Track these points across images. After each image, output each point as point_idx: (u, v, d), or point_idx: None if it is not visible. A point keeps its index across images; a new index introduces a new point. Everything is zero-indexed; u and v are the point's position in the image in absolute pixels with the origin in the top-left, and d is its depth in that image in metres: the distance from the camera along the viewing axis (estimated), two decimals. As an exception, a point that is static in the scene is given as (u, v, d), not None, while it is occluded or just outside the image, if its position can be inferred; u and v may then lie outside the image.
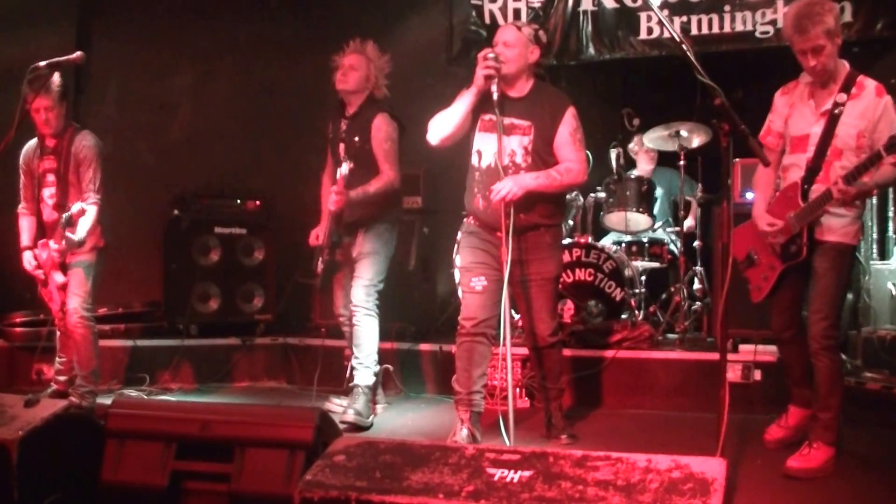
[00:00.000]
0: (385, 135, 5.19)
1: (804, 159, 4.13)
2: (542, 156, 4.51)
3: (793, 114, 4.23)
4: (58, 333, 5.52)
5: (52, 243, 5.00)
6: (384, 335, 6.33)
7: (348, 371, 5.74)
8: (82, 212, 4.98)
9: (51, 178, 5.27)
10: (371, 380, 5.33)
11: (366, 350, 5.30)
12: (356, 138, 5.23)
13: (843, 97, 4.00)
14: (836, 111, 4.00)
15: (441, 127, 4.54)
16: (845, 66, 4.08)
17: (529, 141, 4.51)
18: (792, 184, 4.17)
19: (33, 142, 5.36)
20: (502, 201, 4.30)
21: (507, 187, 4.31)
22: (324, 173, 5.60)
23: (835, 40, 3.95)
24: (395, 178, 5.23)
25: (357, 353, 5.33)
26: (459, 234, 5.04)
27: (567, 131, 4.52)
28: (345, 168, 5.03)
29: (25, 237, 5.37)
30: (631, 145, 7.23)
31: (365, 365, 5.30)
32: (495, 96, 4.38)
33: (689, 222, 6.79)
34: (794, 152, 4.20)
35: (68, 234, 4.90)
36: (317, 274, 5.33)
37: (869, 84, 4.03)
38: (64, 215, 4.96)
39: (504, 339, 4.14)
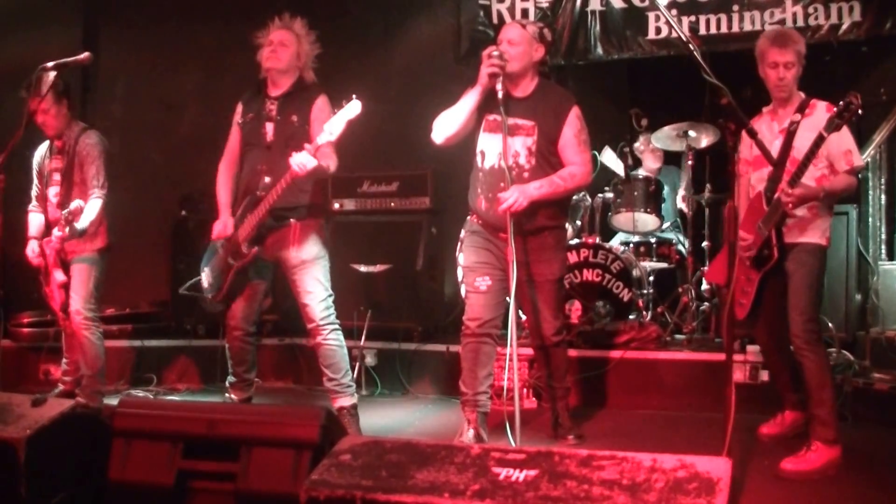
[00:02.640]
0: (327, 116, 4.63)
1: (767, 172, 4.37)
2: (546, 156, 4.49)
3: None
4: (64, 334, 5.54)
5: (55, 231, 5.00)
6: (391, 335, 6.37)
7: (355, 372, 5.73)
8: (80, 209, 4.98)
9: (56, 177, 5.30)
10: (356, 398, 4.96)
11: (343, 368, 4.86)
12: (294, 117, 4.78)
13: (797, 116, 4.34)
14: (792, 128, 4.31)
15: (445, 126, 4.52)
16: (801, 94, 4.45)
17: (533, 142, 4.49)
18: (756, 194, 4.43)
19: (46, 143, 5.40)
20: (508, 210, 4.28)
21: (512, 198, 4.29)
22: (222, 161, 5.05)
23: (800, 65, 4.38)
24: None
25: (333, 374, 4.84)
26: (462, 233, 5.03)
27: (571, 132, 4.50)
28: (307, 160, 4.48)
29: (33, 229, 5.41)
30: (637, 144, 7.21)
31: (346, 384, 4.88)
32: (500, 95, 4.35)
33: (681, 203, 6.77)
34: (759, 168, 4.50)
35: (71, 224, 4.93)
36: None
37: (820, 104, 4.37)
38: (63, 212, 4.97)
39: (510, 339, 4.13)
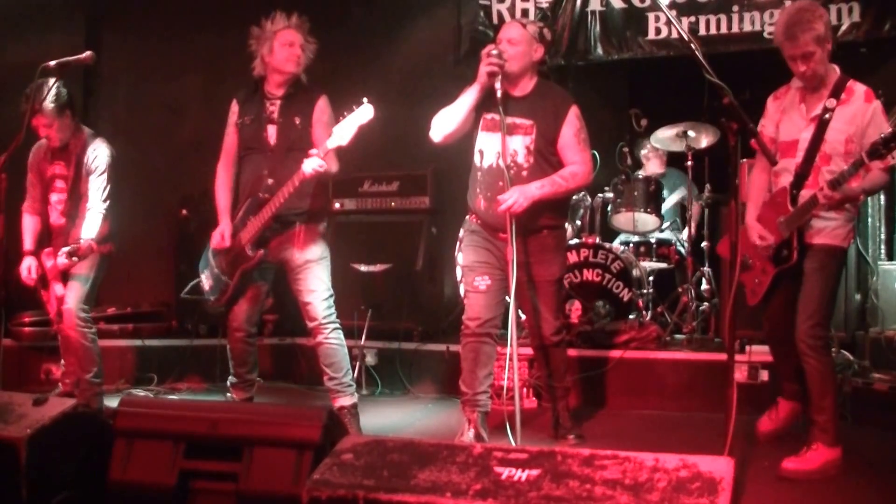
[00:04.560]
0: (329, 118, 4.72)
1: (793, 164, 4.14)
2: (545, 155, 4.49)
3: (783, 119, 4.25)
4: (60, 336, 5.52)
5: (60, 258, 4.92)
6: (391, 335, 6.38)
7: (356, 371, 5.73)
8: (77, 251, 4.85)
9: (60, 184, 5.21)
10: (356, 397, 4.97)
11: (344, 367, 4.87)
12: (296, 119, 4.75)
13: (832, 102, 4.01)
14: (826, 116, 4.01)
15: (443, 124, 4.51)
16: (836, 70, 4.10)
17: (532, 141, 4.48)
18: (781, 189, 4.19)
19: (44, 142, 5.32)
20: (507, 211, 4.27)
21: (513, 198, 4.28)
22: (219, 164, 5.04)
23: (825, 46, 3.97)
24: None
25: (334, 373, 4.84)
26: (461, 232, 5.02)
27: (571, 132, 4.49)
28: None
29: (28, 240, 5.30)
30: (642, 150, 7.22)
31: (346, 384, 4.88)
32: (499, 94, 4.34)
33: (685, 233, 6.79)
34: (785, 157, 4.19)
35: (83, 240, 4.89)
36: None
37: (858, 89, 4.03)
38: (64, 249, 4.86)
39: (510, 339, 4.13)
